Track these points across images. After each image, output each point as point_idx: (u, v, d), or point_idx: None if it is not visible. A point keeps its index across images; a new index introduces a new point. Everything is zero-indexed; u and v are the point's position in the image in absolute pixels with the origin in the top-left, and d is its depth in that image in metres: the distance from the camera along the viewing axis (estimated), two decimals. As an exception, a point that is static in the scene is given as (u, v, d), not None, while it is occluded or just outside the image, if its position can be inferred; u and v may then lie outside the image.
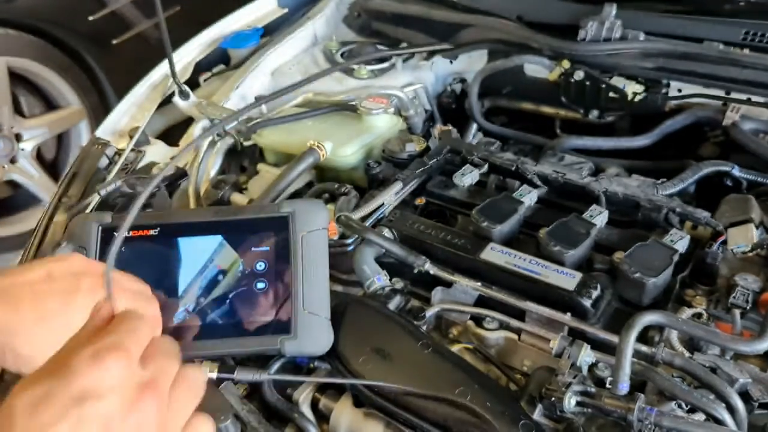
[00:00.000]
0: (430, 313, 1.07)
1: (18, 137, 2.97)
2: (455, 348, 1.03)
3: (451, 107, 1.74)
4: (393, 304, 1.07)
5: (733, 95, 1.44)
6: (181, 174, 1.50)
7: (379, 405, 0.92)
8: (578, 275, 1.06)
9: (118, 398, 0.52)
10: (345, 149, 1.41)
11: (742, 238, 1.10)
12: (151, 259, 0.96)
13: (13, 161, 2.97)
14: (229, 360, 1.04)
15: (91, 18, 3.02)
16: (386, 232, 1.20)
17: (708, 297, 1.08)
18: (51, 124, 3.06)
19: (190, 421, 0.60)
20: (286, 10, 2.04)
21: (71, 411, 0.50)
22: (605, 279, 1.10)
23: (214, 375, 0.91)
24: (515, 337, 1.03)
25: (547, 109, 1.67)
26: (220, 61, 1.92)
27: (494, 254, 1.12)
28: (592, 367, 0.94)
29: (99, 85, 3.13)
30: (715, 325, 1.02)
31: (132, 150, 1.59)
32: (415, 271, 1.12)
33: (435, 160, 1.36)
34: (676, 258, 1.06)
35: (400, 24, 1.85)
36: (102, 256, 0.97)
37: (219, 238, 0.97)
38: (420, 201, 1.32)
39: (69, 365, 0.53)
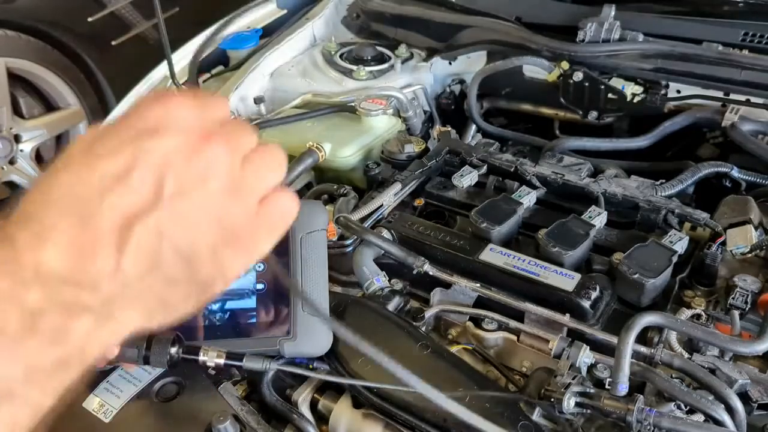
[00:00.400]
0: (429, 314, 1.07)
1: (17, 138, 2.96)
2: (454, 349, 1.03)
3: (450, 108, 1.74)
4: (392, 305, 1.07)
5: (732, 96, 1.44)
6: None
7: (378, 406, 0.92)
8: (577, 276, 1.06)
9: (182, 137, 0.46)
10: (344, 150, 1.41)
11: (741, 239, 1.10)
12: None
13: (12, 162, 2.97)
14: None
15: (90, 19, 3.02)
16: (385, 233, 1.20)
17: (707, 298, 1.08)
18: (50, 125, 3.06)
19: (270, 195, 0.51)
20: (285, 11, 2.04)
21: (128, 144, 0.45)
22: (604, 280, 1.11)
23: (222, 361, 0.89)
24: (514, 338, 1.03)
25: (546, 110, 1.67)
26: (219, 63, 1.92)
27: (493, 255, 1.12)
28: (591, 368, 0.94)
29: (98, 86, 3.13)
30: (714, 326, 1.02)
31: (131, 151, 1.58)
32: (414, 272, 1.12)
33: (434, 161, 1.36)
34: (675, 259, 1.06)
35: (398, 25, 1.85)
36: None
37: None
38: (419, 202, 1.32)
39: (134, 107, 0.47)
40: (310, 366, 0.99)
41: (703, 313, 1.04)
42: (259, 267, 0.96)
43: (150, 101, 0.47)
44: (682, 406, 0.90)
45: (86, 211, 0.43)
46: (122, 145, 0.45)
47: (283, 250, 0.97)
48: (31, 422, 0.44)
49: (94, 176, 0.44)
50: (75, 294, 0.42)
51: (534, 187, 1.28)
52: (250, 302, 0.95)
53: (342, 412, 0.95)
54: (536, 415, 0.91)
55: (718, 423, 0.86)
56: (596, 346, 0.97)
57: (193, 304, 0.49)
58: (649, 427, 0.84)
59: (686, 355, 0.96)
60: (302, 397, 0.97)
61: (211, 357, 0.88)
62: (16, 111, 2.96)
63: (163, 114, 0.47)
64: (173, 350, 0.88)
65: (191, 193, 0.45)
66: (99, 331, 0.44)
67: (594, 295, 1.04)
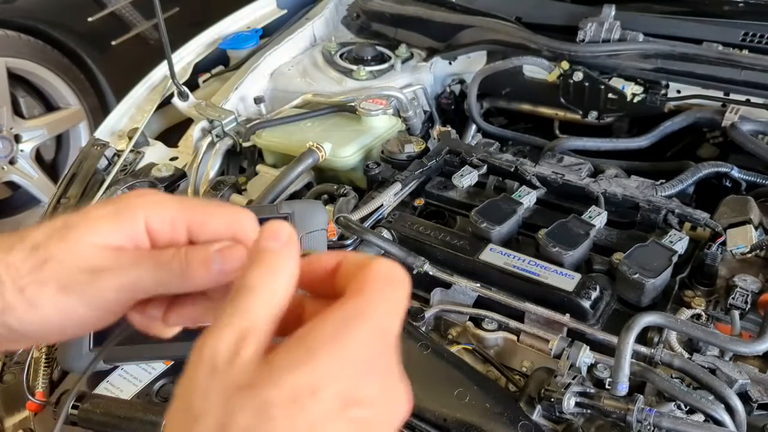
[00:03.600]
0: (429, 313, 1.07)
1: (17, 138, 2.96)
2: (454, 349, 1.03)
3: (450, 108, 1.74)
4: (392, 305, 1.06)
5: (732, 96, 1.44)
6: (180, 175, 1.50)
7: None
8: (577, 276, 1.06)
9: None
10: (344, 150, 1.41)
11: (741, 239, 1.10)
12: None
13: (12, 162, 2.97)
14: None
15: (90, 19, 3.02)
16: (385, 233, 1.20)
17: (707, 298, 1.08)
18: (50, 125, 3.06)
19: None
20: (285, 11, 2.04)
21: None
22: (604, 280, 1.11)
23: None
24: (514, 338, 1.03)
25: (546, 110, 1.67)
26: (219, 63, 1.93)
27: (493, 255, 1.12)
28: (591, 367, 0.94)
29: (98, 86, 3.13)
30: (714, 326, 1.02)
31: (131, 151, 1.59)
32: (414, 272, 1.12)
33: (434, 161, 1.36)
34: (675, 259, 1.06)
35: (398, 25, 1.85)
36: None
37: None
38: (419, 202, 1.32)
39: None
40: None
41: (703, 313, 1.04)
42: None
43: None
44: (682, 406, 0.91)
45: None
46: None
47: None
48: None
49: None
50: None
51: (534, 187, 1.28)
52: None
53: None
54: (536, 415, 0.91)
55: (718, 423, 0.86)
56: (596, 346, 0.97)
57: None
58: (649, 427, 0.84)
59: (686, 355, 0.96)
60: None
61: None
62: (16, 111, 2.96)
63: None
64: None
65: None
66: None
67: (594, 295, 1.04)
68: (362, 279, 0.43)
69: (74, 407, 0.93)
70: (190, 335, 0.95)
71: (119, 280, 0.49)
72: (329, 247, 1.01)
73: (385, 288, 0.43)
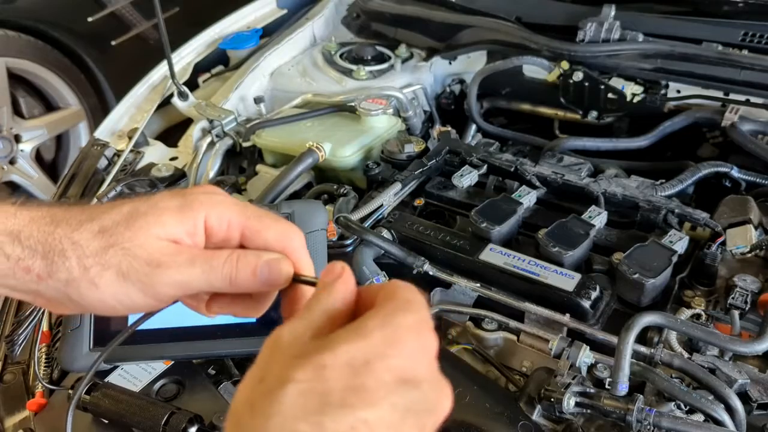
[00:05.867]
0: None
1: (17, 138, 2.96)
2: (454, 349, 1.03)
3: (450, 108, 1.74)
4: (392, 305, 1.06)
5: (732, 96, 1.44)
6: (180, 175, 1.50)
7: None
8: (577, 276, 1.06)
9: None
10: (344, 150, 1.41)
11: (741, 239, 1.10)
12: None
13: (12, 162, 2.97)
14: (228, 361, 1.04)
15: (90, 19, 3.02)
16: (385, 233, 1.20)
17: (707, 298, 1.08)
18: (50, 125, 3.06)
19: None
20: (285, 11, 2.04)
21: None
22: (604, 280, 1.11)
23: None
24: (514, 337, 1.03)
25: (545, 110, 1.67)
26: (219, 62, 1.92)
27: (493, 255, 1.12)
28: (591, 367, 0.94)
29: (98, 86, 3.13)
30: (714, 326, 1.02)
31: (131, 151, 1.59)
32: (414, 271, 1.12)
33: (434, 161, 1.36)
34: (675, 259, 1.06)
35: (398, 25, 1.85)
36: None
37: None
38: (419, 202, 1.32)
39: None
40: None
41: (703, 313, 1.04)
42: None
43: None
44: (682, 405, 0.91)
45: None
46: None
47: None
48: None
49: None
50: None
51: (534, 187, 1.28)
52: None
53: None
54: (536, 415, 0.91)
55: (718, 423, 0.86)
56: (596, 346, 0.97)
57: None
58: (648, 427, 0.85)
59: (686, 355, 0.96)
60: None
61: None
62: (16, 111, 2.96)
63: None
64: (192, 430, 0.89)
65: None
66: None
67: (594, 295, 1.04)
68: (390, 288, 0.49)
69: (87, 393, 0.94)
70: (189, 336, 0.95)
71: (174, 277, 0.53)
72: (329, 247, 1.01)
73: (410, 292, 0.49)
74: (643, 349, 0.95)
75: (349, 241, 1.18)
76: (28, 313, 1.19)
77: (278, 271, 0.55)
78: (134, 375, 1.01)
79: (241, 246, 0.56)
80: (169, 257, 0.53)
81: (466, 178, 1.30)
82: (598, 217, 1.16)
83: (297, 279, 0.57)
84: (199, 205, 0.55)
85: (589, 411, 0.89)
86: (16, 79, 2.92)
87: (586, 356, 0.94)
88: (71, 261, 0.53)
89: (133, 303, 0.54)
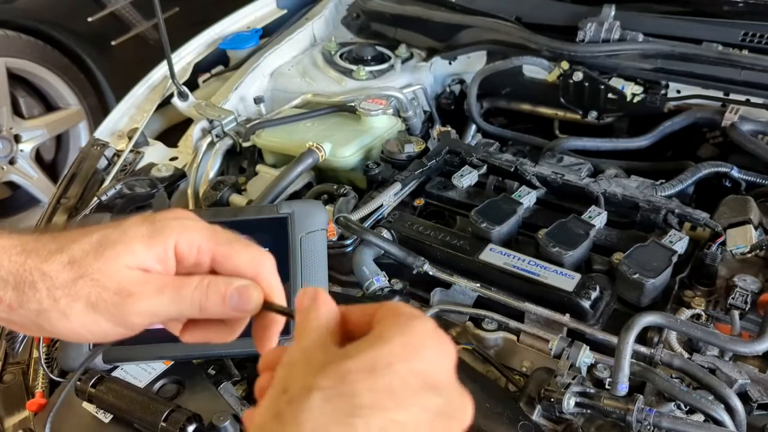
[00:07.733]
0: (429, 313, 1.07)
1: (17, 138, 2.96)
2: (454, 349, 1.03)
3: (450, 108, 1.74)
4: (392, 305, 1.06)
5: (732, 96, 1.44)
6: (180, 175, 1.50)
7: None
8: (577, 276, 1.06)
9: None
10: (344, 150, 1.41)
11: (741, 239, 1.10)
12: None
13: (12, 162, 2.97)
14: (228, 361, 1.04)
15: (90, 19, 3.02)
16: (385, 233, 1.20)
17: (707, 298, 1.08)
18: (50, 125, 3.06)
19: None
20: (285, 11, 2.04)
21: None
22: (604, 280, 1.11)
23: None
24: (514, 338, 1.03)
25: (545, 110, 1.67)
26: (218, 62, 1.92)
27: (493, 255, 1.12)
28: (591, 367, 0.94)
29: (98, 86, 3.13)
30: (714, 326, 1.02)
31: (131, 151, 1.59)
32: (414, 272, 1.12)
33: (434, 161, 1.36)
34: (675, 259, 1.06)
35: (398, 25, 1.85)
36: None
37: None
38: (419, 202, 1.32)
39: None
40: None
41: (703, 313, 1.04)
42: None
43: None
44: (682, 406, 0.90)
45: None
46: None
47: (283, 250, 0.97)
48: None
49: None
50: None
51: (534, 187, 1.28)
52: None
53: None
54: (536, 415, 0.91)
55: (718, 423, 0.86)
56: (596, 346, 0.97)
57: None
58: (648, 427, 0.84)
59: (686, 355, 0.96)
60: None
61: None
62: (16, 111, 2.96)
63: None
64: (190, 429, 0.89)
65: None
66: None
67: (594, 295, 1.04)
68: (392, 305, 0.49)
69: (92, 386, 0.95)
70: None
71: (143, 307, 0.53)
72: (329, 247, 1.01)
73: (413, 309, 0.48)
74: (643, 349, 0.95)
75: (349, 241, 1.18)
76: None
77: (248, 297, 0.56)
78: (134, 375, 1.01)
79: (213, 271, 0.56)
80: (138, 287, 0.53)
81: (466, 178, 1.30)
82: (598, 217, 1.16)
83: (267, 307, 0.57)
84: (169, 231, 0.55)
85: (589, 411, 0.89)
86: (16, 79, 2.92)
87: (586, 356, 0.94)
88: (41, 293, 0.53)
89: (103, 332, 0.54)
